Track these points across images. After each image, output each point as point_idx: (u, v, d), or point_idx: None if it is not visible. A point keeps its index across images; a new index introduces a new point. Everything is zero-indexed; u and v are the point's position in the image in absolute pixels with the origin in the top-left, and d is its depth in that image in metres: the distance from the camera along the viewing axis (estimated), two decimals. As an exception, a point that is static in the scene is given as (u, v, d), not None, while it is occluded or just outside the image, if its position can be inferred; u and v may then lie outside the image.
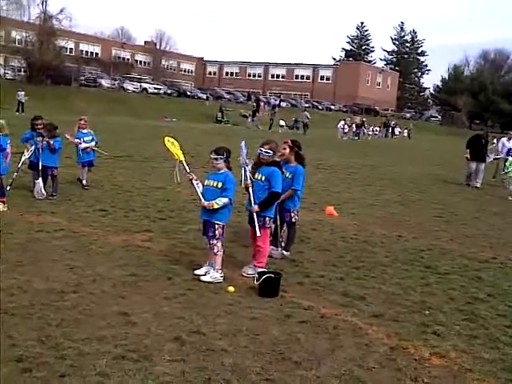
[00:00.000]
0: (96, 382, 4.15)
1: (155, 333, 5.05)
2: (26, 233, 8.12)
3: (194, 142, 22.86)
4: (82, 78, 55.83)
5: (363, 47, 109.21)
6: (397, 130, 58.90)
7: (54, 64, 49.51)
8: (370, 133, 51.92)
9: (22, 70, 52.58)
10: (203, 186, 6.82)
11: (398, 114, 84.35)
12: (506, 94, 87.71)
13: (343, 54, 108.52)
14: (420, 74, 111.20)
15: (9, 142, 9.56)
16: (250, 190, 6.98)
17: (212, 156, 6.77)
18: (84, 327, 5.06)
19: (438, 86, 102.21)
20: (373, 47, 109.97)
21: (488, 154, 19.10)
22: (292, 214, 7.93)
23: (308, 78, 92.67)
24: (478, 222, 12.05)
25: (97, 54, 78.93)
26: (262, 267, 6.88)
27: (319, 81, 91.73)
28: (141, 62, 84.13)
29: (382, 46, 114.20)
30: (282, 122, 45.37)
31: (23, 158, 10.60)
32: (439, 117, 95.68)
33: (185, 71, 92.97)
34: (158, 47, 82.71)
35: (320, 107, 73.27)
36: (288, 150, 7.93)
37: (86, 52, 77.39)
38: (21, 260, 6.86)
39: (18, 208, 9.54)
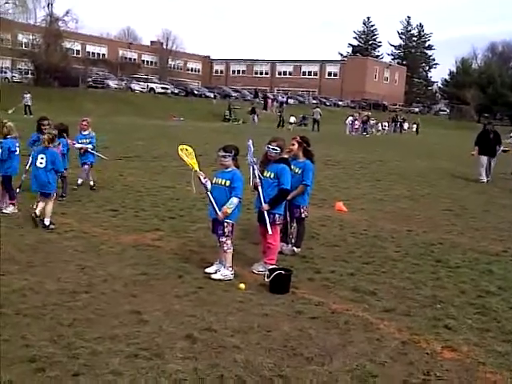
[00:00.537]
0: (109, 380, 4.18)
1: (167, 331, 5.08)
2: (37, 234, 8.17)
3: (202, 140, 22.89)
4: (90, 79, 55.94)
5: (370, 42, 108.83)
6: (405, 125, 58.69)
7: (61, 66, 49.63)
8: (380, 128, 51.74)
9: (30, 72, 52.81)
10: (211, 184, 6.82)
11: (407, 109, 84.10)
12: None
13: (350, 49, 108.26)
14: (428, 67, 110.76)
15: (18, 144, 9.61)
16: (260, 188, 6.99)
17: (220, 154, 6.77)
18: (96, 326, 5.09)
19: (445, 79, 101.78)
20: (380, 42, 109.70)
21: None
22: (301, 210, 7.94)
23: (315, 74, 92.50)
24: (488, 215, 12.00)
25: (103, 54, 79.18)
26: (272, 264, 6.89)
27: (326, 77, 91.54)
28: (147, 61, 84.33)
29: (388, 40, 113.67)
30: (293, 119, 45.31)
31: (31, 160, 10.64)
32: (448, 110, 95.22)
33: (192, 70, 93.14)
34: (164, 47, 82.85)
35: (327, 103, 73.12)
36: (296, 146, 7.94)
37: (93, 53, 77.66)
38: (32, 261, 6.91)
39: (28, 210, 9.59)
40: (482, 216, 11.79)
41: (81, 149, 11.80)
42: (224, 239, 6.73)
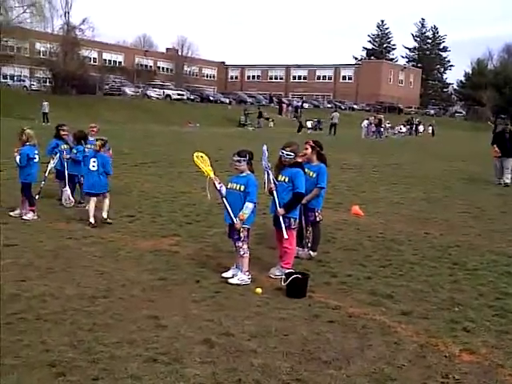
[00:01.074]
0: (128, 384, 4.22)
1: (185, 335, 5.11)
2: (56, 240, 8.27)
3: (217, 146, 22.98)
4: (106, 86, 56.46)
5: (384, 45, 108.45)
6: (420, 128, 58.39)
7: (79, 74, 50.19)
8: (396, 131, 51.53)
9: (48, 80, 53.42)
10: (226, 189, 6.87)
11: (422, 111, 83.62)
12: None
13: (364, 53, 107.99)
14: (443, 69, 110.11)
15: (36, 152, 9.73)
16: (275, 193, 7.01)
17: (234, 158, 6.81)
18: (115, 331, 5.14)
19: (461, 81, 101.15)
20: (394, 45, 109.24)
21: None
22: (316, 214, 7.96)
23: (330, 78, 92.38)
24: (506, 216, 11.89)
25: (120, 62, 79.76)
26: (289, 268, 6.91)
27: (341, 81, 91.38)
28: (163, 68, 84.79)
29: (403, 43, 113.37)
30: (310, 124, 45.34)
31: (49, 167, 10.79)
32: (463, 112, 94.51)
33: (207, 76, 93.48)
34: (179, 53, 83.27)
35: (343, 107, 72.97)
36: (310, 150, 7.98)
37: (110, 61, 78.25)
38: (52, 267, 6.99)
39: (47, 216, 9.72)
40: (500, 218, 11.69)
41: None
42: (240, 244, 6.77)
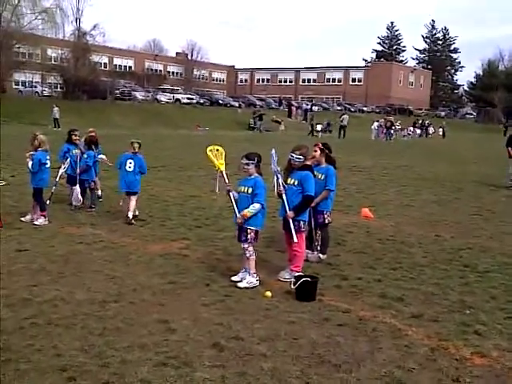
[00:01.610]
0: (139, 388, 4.24)
1: (195, 339, 5.13)
2: (67, 245, 8.32)
3: (226, 149, 22.97)
4: (117, 91, 56.73)
5: (394, 47, 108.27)
6: (430, 129, 58.14)
7: (90, 79, 50.46)
8: (405, 133, 51.35)
9: (59, 86, 53.78)
10: (238, 193, 6.90)
11: (432, 113, 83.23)
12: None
13: (374, 54, 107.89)
14: (453, 71, 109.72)
15: (48, 157, 9.80)
16: (284, 196, 7.02)
17: (243, 161, 6.84)
18: (126, 335, 5.17)
19: (472, 82, 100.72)
20: (404, 47, 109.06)
21: None
22: (325, 216, 7.96)
23: (339, 80, 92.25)
24: (518, 218, 11.81)
25: (130, 67, 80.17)
26: (298, 271, 6.90)
27: (351, 83, 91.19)
28: (173, 72, 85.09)
29: (413, 45, 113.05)
30: (319, 127, 45.31)
31: (60, 172, 10.86)
32: (474, 114, 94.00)
33: (216, 80, 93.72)
34: (189, 58, 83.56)
35: (352, 109, 72.84)
36: (319, 153, 8.00)
37: (120, 66, 78.66)
38: (63, 271, 7.03)
39: (58, 221, 9.78)
40: (512, 220, 11.62)
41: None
42: (246, 245, 6.78)
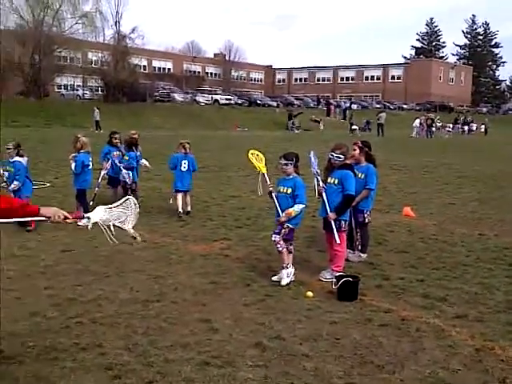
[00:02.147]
0: (182, 387, 4.27)
1: (237, 339, 5.15)
2: (110, 245, 8.42)
3: (264, 149, 23.00)
4: (156, 93, 57.38)
5: (434, 43, 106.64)
6: (473, 126, 56.99)
7: (129, 82, 51.13)
8: (450, 130, 50.46)
9: (100, 89, 54.72)
10: (277, 193, 6.91)
11: (474, 110, 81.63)
12: None
13: (413, 51, 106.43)
14: (495, 66, 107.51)
15: (90, 159, 9.98)
16: (324, 195, 6.98)
17: (281, 162, 6.84)
18: (168, 335, 5.22)
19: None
20: (444, 43, 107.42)
21: None
22: (365, 215, 7.89)
23: (378, 78, 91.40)
24: None
25: (169, 69, 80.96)
26: (339, 271, 6.86)
27: (390, 80, 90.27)
28: (211, 74, 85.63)
29: (453, 40, 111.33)
30: (355, 126, 44.92)
31: (102, 173, 11.04)
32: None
33: (254, 80, 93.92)
34: (227, 58, 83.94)
35: (392, 107, 72.03)
36: (358, 151, 7.93)
37: (159, 68, 79.55)
38: (107, 271, 7.16)
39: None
40: (559, 218, 11.29)
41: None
42: (277, 239, 6.76)
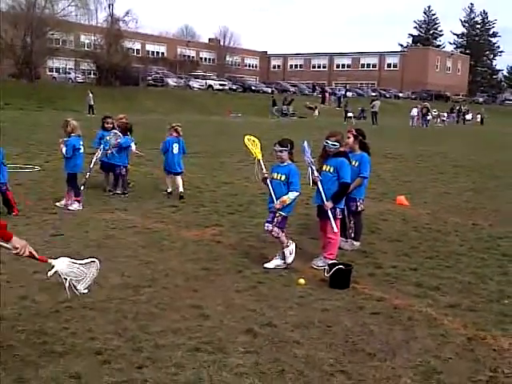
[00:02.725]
0: (172, 373, 4.23)
1: (228, 325, 5.11)
2: (101, 230, 8.39)
3: (258, 135, 22.91)
4: (149, 77, 57.04)
5: (431, 32, 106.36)
6: (468, 116, 57.01)
7: (122, 65, 50.78)
8: (444, 119, 50.43)
9: (92, 72, 54.33)
10: (271, 179, 6.87)
11: (470, 99, 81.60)
12: None
13: (410, 39, 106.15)
14: (492, 56, 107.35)
15: (81, 143, 9.88)
16: (319, 183, 6.93)
17: (276, 148, 6.80)
18: (159, 320, 5.18)
19: (511, 67, 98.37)
20: (441, 31, 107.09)
21: None
22: (358, 204, 7.85)
23: (374, 66, 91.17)
24: (559, 207, 11.49)
25: (163, 53, 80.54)
26: (332, 259, 6.83)
27: (386, 68, 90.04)
28: (205, 59, 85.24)
29: (451, 29, 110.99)
30: (350, 114, 44.82)
31: (94, 159, 10.95)
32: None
33: (249, 66, 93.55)
34: (221, 44, 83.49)
35: (387, 95, 71.92)
36: (352, 139, 7.87)
37: (153, 52, 79.10)
38: (97, 256, 7.06)
39: (92, 207, 9.88)
40: (552, 208, 11.30)
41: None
42: (270, 227, 6.76)
